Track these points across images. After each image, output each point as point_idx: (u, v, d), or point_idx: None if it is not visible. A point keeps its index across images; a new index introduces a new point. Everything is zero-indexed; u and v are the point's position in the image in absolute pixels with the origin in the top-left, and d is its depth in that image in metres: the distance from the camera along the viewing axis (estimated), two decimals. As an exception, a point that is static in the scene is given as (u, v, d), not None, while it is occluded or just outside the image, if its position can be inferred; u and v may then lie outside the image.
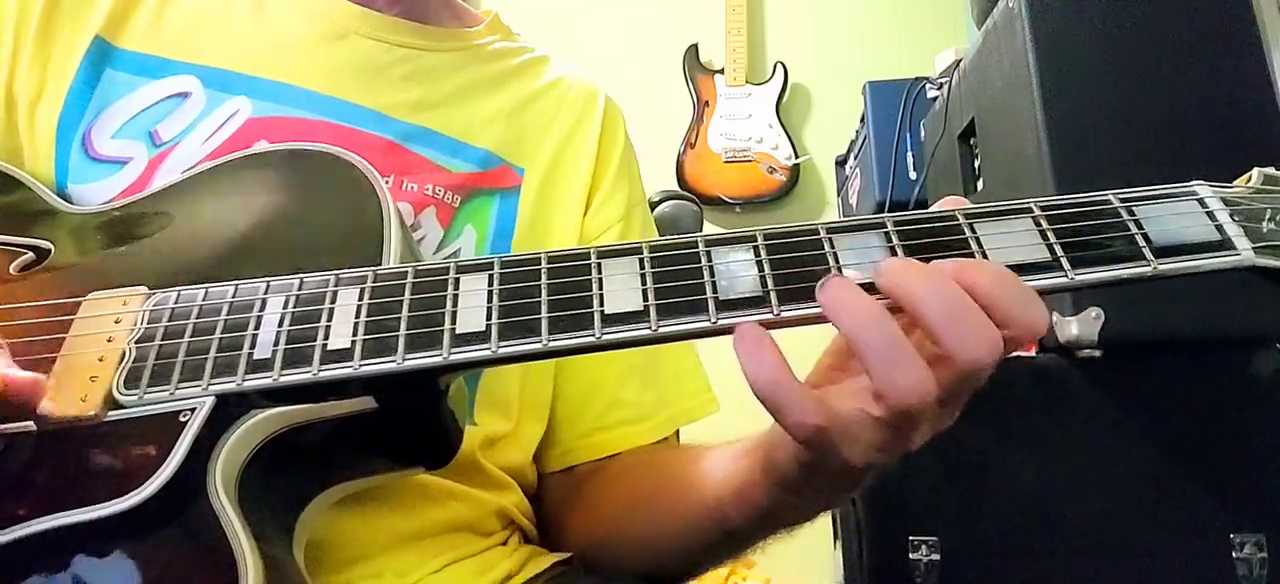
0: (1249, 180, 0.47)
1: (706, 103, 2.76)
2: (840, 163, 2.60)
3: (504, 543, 0.68)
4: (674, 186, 2.67)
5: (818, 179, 2.77)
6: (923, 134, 1.95)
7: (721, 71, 2.77)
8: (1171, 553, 1.24)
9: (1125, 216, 0.45)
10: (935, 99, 1.83)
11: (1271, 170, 0.47)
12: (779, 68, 2.76)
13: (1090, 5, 1.35)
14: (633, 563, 0.67)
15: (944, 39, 2.17)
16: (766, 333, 0.42)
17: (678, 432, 0.76)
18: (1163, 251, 0.44)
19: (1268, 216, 0.44)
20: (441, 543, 0.62)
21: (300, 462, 0.48)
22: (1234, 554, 1.21)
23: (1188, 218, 0.45)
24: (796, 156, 2.72)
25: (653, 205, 2.04)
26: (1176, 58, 1.30)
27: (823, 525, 2.13)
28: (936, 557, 1.27)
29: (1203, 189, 0.46)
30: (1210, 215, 0.45)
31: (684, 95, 2.78)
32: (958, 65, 1.73)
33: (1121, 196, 0.46)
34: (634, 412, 0.72)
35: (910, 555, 1.28)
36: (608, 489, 0.70)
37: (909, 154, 2.02)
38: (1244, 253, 0.43)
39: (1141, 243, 0.44)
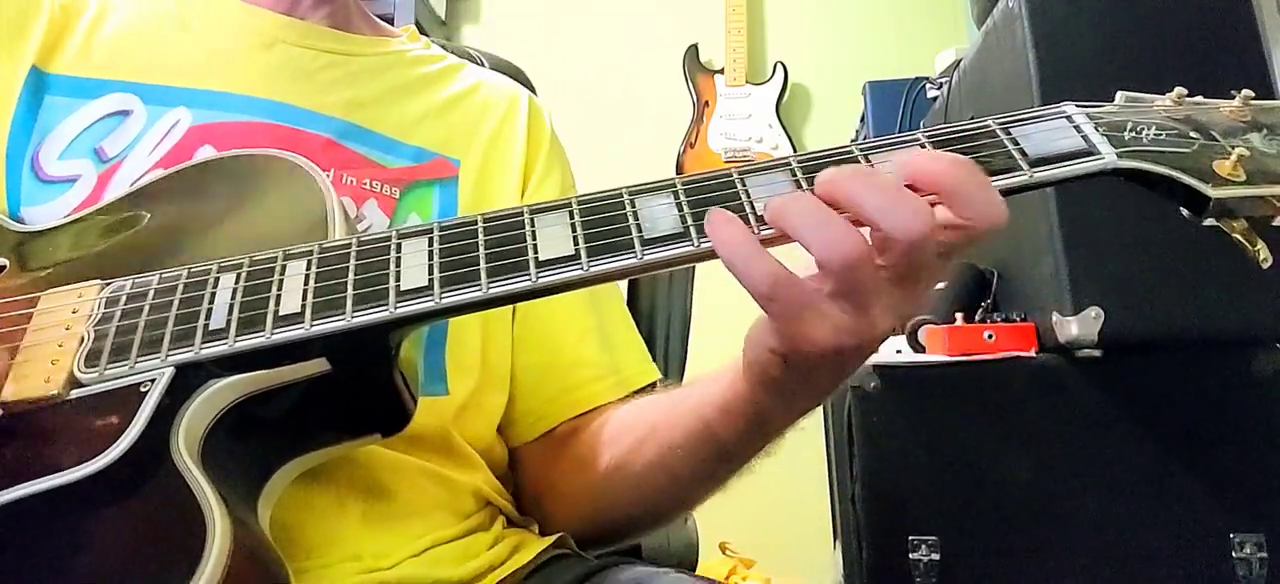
0: (1115, 101, 0.53)
1: (706, 103, 2.76)
2: (840, 163, 2.60)
3: (487, 527, 0.68)
4: (674, 186, 2.67)
5: (818, 179, 2.77)
6: (923, 134, 1.95)
7: (721, 71, 2.77)
8: (1171, 553, 1.24)
9: (1002, 135, 0.50)
10: (935, 99, 1.83)
11: (1132, 93, 0.54)
12: (779, 68, 2.76)
13: (1090, 5, 1.35)
14: (631, 509, 0.69)
15: (944, 39, 2.17)
16: (734, 216, 0.46)
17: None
18: (1037, 162, 0.48)
19: (1129, 127, 0.50)
20: (418, 524, 0.63)
21: (260, 432, 0.50)
22: (1233, 554, 1.21)
23: (1058, 132, 0.50)
24: (796, 156, 2.72)
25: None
26: (1176, 58, 1.30)
27: (823, 526, 2.12)
28: (936, 557, 1.27)
29: (1070, 107, 0.51)
30: (1077, 128, 0.50)
31: (684, 95, 2.78)
32: (958, 65, 1.73)
33: (999, 119, 0.51)
34: (597, 370, 0.75)
35: (910, 555, 1.28)
36: (593, 444, 0.71)
37: (909, 154, 2.01)
38: (1107, 157, 0.48)
39: (1017, 156, 0.48)
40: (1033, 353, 1.35)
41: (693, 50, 2.79)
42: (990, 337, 1.35)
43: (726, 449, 0.60)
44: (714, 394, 0.58)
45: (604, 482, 0.68)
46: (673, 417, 0.63)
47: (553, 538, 0.69)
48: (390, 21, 0.91)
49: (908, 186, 0.45)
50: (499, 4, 2.95)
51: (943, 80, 1.80)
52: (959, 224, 0.45)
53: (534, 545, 0.68)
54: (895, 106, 2.06)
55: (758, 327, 0.50)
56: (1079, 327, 1.24)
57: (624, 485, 0.67)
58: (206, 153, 0.65)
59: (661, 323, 1.00)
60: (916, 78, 2.04)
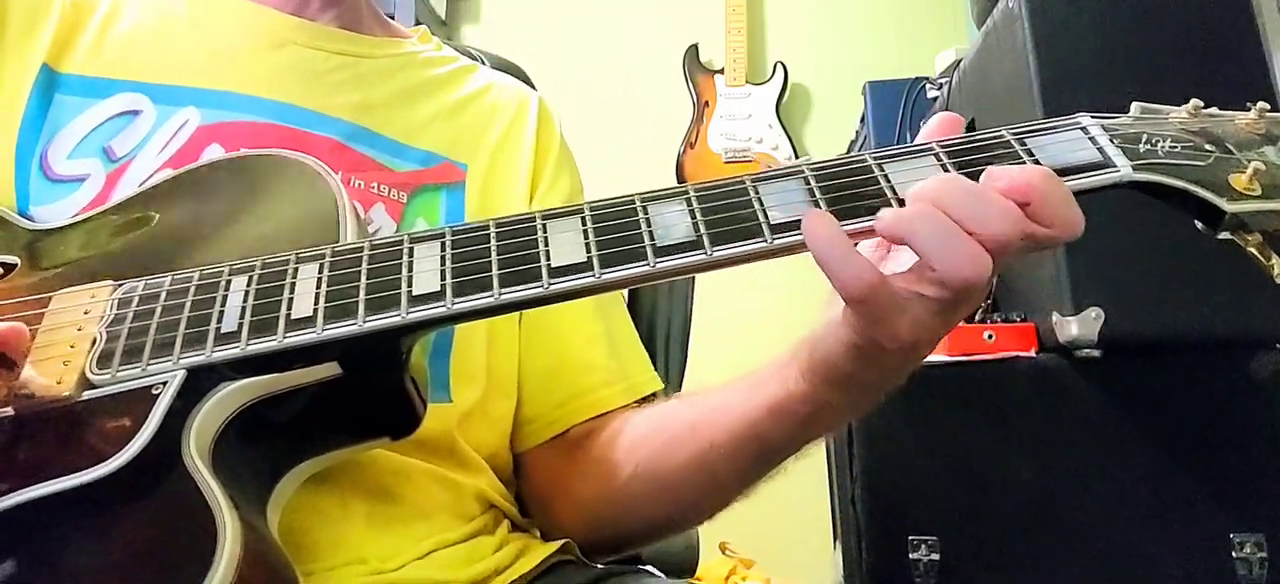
0: (1130, 113, 0.53)
1: (706, 103, 2.76)
2: (840, 163, 2.59)
3: (491, 530, 0.68)
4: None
5: (817, 179, 2.77)
6: (923, 134, 1.95)
7: (721, 71, 2.77)
8: (1171, 553, 1.24)
9: (1017, 146, 0.49)
10: (935, 99, 1.83)
11: (1147, 104, 0.53)
12: (779, 68, 2.76)
13: (1090, 6, 1.36)
14: (657, 511, 0.69)
15: (944, 39, 2.17)
16: (827, 214, 0.46)
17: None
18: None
19: (1144, 140, 0.50)
20: (423, 527, 0.63)
21: (271, 435, 0.50)
22: (1234, 554, 1.21)
23: (1074, 144, 0.49)
24: (796, 157, 2.72)
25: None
26: (1177, 59, 1.30)
27: (823, 526, 2.12)
28: (936, 557, 1.27)
29: (1085, 118, 0.51)
30: (1092, 140, 0.50)
31: (684, 95, 2.78)
32: (958, 65, 1.73)
33: (1013, 131, 0.50)
34: (607, 375, 0.75)
35: (910, 555, 1.28)
36: (612, 447, 0.70)
37: (909, 154, 2.02)
38: (1124, 170, 0.48)
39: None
40: (1033, 353, 1.35)
41: (693, 50, 2.80)
42: (990, 336, 1.35)
43: (769, 450, 0.60)
44: (761, 395, 0.58)
45: (628, 484, 0.68)
46: (715, 417, 0.63)
47: (558, 543, 0.69)
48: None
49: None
50: (499, 4, 2.95)
51: (943, 80, 1.80)
52: (1044, 233, 0.46)
53: (539, 550, 0.68)
54: (895, 107, 2.06)
55: (828, 322, 0.50)
56: (1079, 327, 1.24)
57: (653, 487, 0.67)
58: (214, 153, 0.65)
59: (661, 328, 1.00)
60: (916, 78, 2.04)
